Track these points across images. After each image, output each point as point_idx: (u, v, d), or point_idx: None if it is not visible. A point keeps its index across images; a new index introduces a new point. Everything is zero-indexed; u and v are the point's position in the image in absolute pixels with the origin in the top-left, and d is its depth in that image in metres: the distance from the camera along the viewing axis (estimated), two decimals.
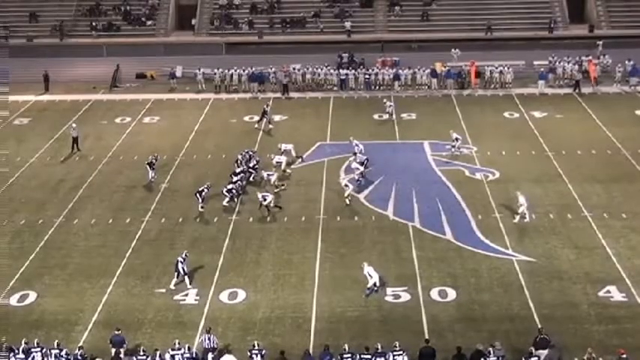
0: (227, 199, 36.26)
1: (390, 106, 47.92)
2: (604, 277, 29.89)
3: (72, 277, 30.94)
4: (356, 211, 35.92)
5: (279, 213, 35.65)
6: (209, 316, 28.10)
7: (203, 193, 35.93)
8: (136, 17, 63.97)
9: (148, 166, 39.15)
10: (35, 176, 40.80)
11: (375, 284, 29.05)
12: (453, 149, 41.82)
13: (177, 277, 29.94)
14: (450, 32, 60.81)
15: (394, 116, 47.66)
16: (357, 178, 38.23)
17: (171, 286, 29.75)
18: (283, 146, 41.06)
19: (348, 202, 36.19)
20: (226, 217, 35.46)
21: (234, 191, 36.49)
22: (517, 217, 34.09)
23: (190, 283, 29.86)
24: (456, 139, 41.98)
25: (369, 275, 29.13)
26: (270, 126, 46.42)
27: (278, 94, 52.68)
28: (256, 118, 47.58)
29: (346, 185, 36.89)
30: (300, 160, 41.19)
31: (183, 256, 30.23)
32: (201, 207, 35.86)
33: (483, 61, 54.07)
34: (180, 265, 29.83)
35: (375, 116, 48.22)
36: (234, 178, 37.31)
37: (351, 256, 31.93)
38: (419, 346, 24.94)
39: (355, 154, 40.41)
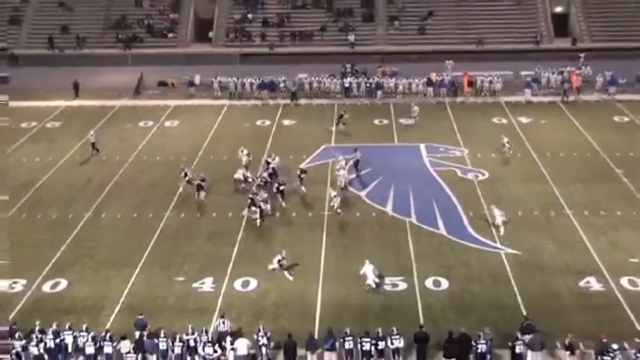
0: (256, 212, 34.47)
1: (416, 110, 47.66)
2: (584, 269, 29.93)
3: (99, 267, 31.11)
4: (358, 208, 35.98)
5: (289, 210, 35.57)
6: (224, 303, 28.23)
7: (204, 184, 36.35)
8: (159, 30, 64.27)
9: (196, 187, 36.84)
10: (66, 175, 40.91)
11: (375, 283, 28.80)
12: (507, 151, 41.31)
13: (281, 267, 30.01)
14: (445, 45, 60.92)
15: (418, 118, 47.43)
16: (343, 184, 37.14)
17: (272, 266, 30.07)
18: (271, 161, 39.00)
19: (339, 211, 34.94)
20: (239, 212, 35.42)
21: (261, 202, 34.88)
22: (501, 229, 32.81)
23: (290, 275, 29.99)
24: (507, 142, 41.52)
25: (366, 276, 28.86)
26: (342, 127, 46.26)
27: (288, 101, 52.75)
28: (267, 122, 47.82)
29: (335, 196, 35.38)
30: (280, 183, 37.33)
31: (283, 254, 30.17)
32: (201, 197, 35.94)
33: (475, 71, 54.04)
34: (276, 260, 29.98)
35: (376, 121, 48.15)
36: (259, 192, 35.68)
37: (353, 249, 32.02)
38: (414, 331, 25.00)
39: (357, 161, 39.69)
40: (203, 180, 37.01)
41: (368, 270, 28.93)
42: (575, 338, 24.26)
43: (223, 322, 25.72)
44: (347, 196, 36.83)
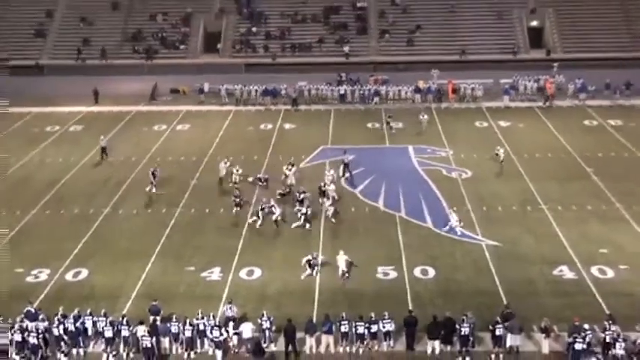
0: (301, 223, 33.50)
1: (425, 118, 46.89)
2: (557, 258, 29.84)
3: (117, 258, 30.95)
4: (352, 204, 35.84)
5: (291, 205, 35.43)
6: (230, 290, 28.09)
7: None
8: (171, 42, 63.94)
9: (235, 204, 35.28)
10: (86, 174, 40.71)
11: (343, 272, 28.54)
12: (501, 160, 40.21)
13: (311, 269, 29.00)
14: (431, 55, 60.58)
15: (426, 125, 46.55)
16: (332, 195, 35.72)
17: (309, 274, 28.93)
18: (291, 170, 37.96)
19: (333, 220, 33.87)
20: (245, 207, 35.20)
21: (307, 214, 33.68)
22: (456, 228, 32.30)
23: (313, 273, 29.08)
24: (497, 154, 40.46)
25: (339, 264, 28.67)
26: (392, 131, 45.96)
27: (288, 107, 52.58)
28: (270, 126, 47.67)
29: (331, 205, 34.54)
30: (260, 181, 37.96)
31: (314, 255, 29.31)
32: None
33: (458, 80, 53.90)
34: (310, 260, 28.99)
35: (369, 125, 47.97)
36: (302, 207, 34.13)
37: (349, 240, 31.87)
38: (404, 315, 24.92)
39: (347, 164, 38.95)
40: (240, 198, 35.36)
41: (341, 260, 28.76)
42: (550, 322, 24.18)
43: (230, 308, 25.59)
44: (343, 193, 36.69)
